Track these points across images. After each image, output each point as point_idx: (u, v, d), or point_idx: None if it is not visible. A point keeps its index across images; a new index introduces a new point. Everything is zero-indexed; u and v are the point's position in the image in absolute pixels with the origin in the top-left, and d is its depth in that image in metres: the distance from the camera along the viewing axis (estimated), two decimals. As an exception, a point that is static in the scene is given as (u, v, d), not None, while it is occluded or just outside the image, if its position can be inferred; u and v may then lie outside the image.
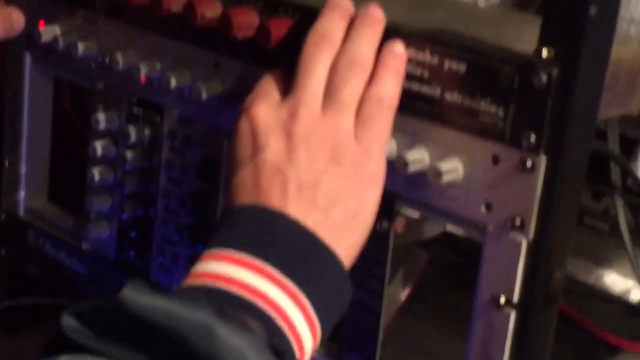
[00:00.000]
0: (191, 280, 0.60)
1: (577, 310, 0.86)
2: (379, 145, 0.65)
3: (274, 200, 0.62)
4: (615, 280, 0.98)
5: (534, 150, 0.62)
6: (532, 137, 0.62)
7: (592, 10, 0.58)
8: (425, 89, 0.66)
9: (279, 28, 0.71)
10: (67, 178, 0.96)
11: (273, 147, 0.63)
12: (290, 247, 0.60)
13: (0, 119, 0.95)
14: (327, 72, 0.66)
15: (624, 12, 0.89)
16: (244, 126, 0.65)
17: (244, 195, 0.63)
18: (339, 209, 0.63)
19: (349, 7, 0.69)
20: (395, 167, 0.67)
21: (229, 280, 0.58)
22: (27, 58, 0.91)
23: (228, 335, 0.52)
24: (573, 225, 0.64)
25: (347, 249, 0.63)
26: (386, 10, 0.74)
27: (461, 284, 0.69)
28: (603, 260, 0.99)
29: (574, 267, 1.00)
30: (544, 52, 0.60)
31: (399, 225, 0.74)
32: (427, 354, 0.79)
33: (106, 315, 0.53)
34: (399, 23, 0.69)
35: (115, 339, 0.52)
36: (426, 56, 0.66)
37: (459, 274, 0.69)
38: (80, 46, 0.84)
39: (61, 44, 0.86)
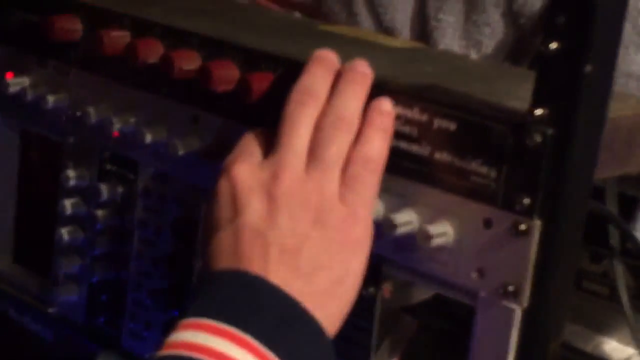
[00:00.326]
0: (166, 351, 0.60)
1: None
2: (366, 207, 0.65)
3: (255, 265, 0.62)
4: (615, 348, 0.98)
5: (528, 214, 0.62)
6: (526, 200, 0.62)
7: (587, 68, 0.59)
8: (414, 148, 0.67)
9: (261, 82, 0.72)
10: (33, 238, 0.96)
11: (254, 210, 0.64)
12: (271, 316, 0.61)
13: None
14: (311, 130, 0.66)
15: (623, 67, 0.91)
16: (223, 187, 0.66)
17: (223, 260, 0.64)
18: (323, 274, 0.63)
19: (334, 60, 0.70)
20: (382, 229, 0.67)
21: (207, 351, 0.58)
22: None
23: None
24: (570, 293, 0.65)
25: (332, 316, 0.64)
26: (373, 63, 0.75)
27: (453, 352, 0.69)
28: (602, 327, 1.00)
29: (572, 334, 1.00)
30: (538, 111, 0.61)
31: (386, 290, 0.75)
32: None
33: None
34: (386, 78, 0.70)
35: None
36: (415, 114, 0.67)
37: (450, 341, 0.69)
38: (50, 98, 0.85)
39: (30, 95, 0.87)
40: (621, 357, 0.96)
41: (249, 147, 0.68)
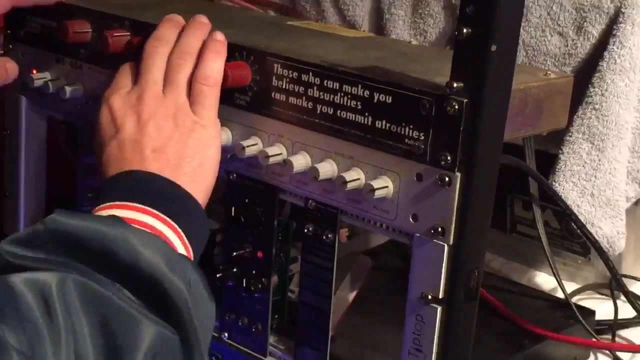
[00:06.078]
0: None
1: (506, 306, 0.88)
2: (210, 113, 0.73)
3: (136, 164, 0.70)
4: (544, 280, 1.01)
5: (451, 168, 0.65)
6: (449, 157, 0.65)
7: (493, 48, 0.61)
8: (359, 118, 0.70)
9: (237, 69, 0.75)
10: (63, 208, 0.98)
11: (128, 126, 0.72)
12: (158, 194, 0.68)
13: (1, 155, 0.97)
14: (164, 64, 0.74)
15: (542, 47, 0.93)
16: (104, 113, 0.74)
17: (113, 167, 0.71)
18: (187, 162, 0.71)
19: (180, 19, 0.78)
20: (336, 185, 0.70)
21: (125, 219, 0.64)
22: (23, 101, 0.93)
23: (140, 239, 0.61)
24: (487, 230, 0.67)
25: (201, 191, 0.71)
26: (327, 49, 0.77)
27: (402, 285, 0.70)
28: (534, 263, 1.03)
29: (509, 270, 1.04)
30: (455, 85, 0.63)
31: (343, 235, 0.77)
32: (373, 347, 0.82)
33: (43, 238, 0.59)
34: (337, 62, 0.72)
35: (54, 254, 0.59)
36: (359, 90, 0.69)
37: (404, 277, 0.72)
38: (68, 89, 0.87)
39: (51, 88, 0.88)
40: (549, 287, 1.00)
41: (120, 81, 0.76)
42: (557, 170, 0.89)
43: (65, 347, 0.55)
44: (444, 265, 0.66)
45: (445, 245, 0.66)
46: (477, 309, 0.68)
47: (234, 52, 0.76)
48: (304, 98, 0.73)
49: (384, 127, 0.69)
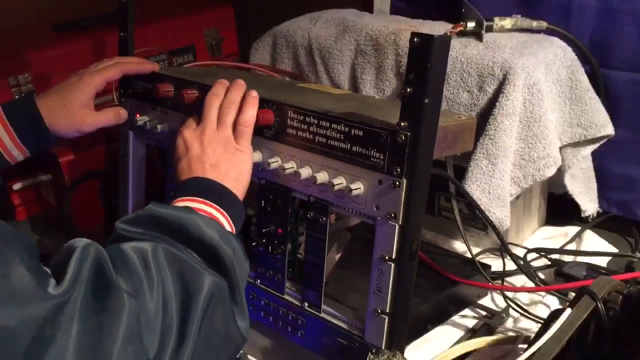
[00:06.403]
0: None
1: (436, 263, 0.89)
2: (247, 143, 0.73)
3: (199, 173, 0.70)
4: (459, 246, 1.01)
5: (400, 176, 0.66)
6: (398, 170, 0.66)
7: (426, 100, 0.63)
8: (342, 145, 0.70)
9: (265, 114, 0.75)
10: (156, 201, 0.96)
11: (195, 148, 0.72)
12: (215, 193, 0.68)
13: (117, 168, 0.96)
14: (218, 110, 0.74)
15: (457, 99, 0.93)
16: (180, 140, 0.74)
17: (185, 174, 0.71)
18: (231, 172, 0.71)
19: (226, 82, 0.77)
20: (328, 187, 0.71)
21: (194, 208, 0.65)
22: (130, 134, 0.93)
23: (203, 221, 0.61)
24: (423, 215, 0.68)
25: (239, 190, 0.71)
26: (322, 101, 0.78)
27: (372, 250, 0.71)
28: (452, 235, 1.03)
29: (437, 240, 1.03)
30: (402, 124, 0.64)
31: (332, 218, 0.78)
32: (351, 289, 0.82)
33: (143, 219, 0.61)
34: (328, 109, 0.73)
35: (150, 230, 0.60)
36: (342, 127, 0.70)
37: (371, 245, 0.72)
38: (159, 127, 0.87)
39: (148, 126, 0.88)
40: (461, 251, 1.00)
41: (190, 121, 0.76)
42: (467, 177, 0.90)
43: (156, 290, 0.55)
44: (396, 237, 0.67)
45: (397, 225, 0.67)
46: (416, 264, 0.69)
47: (263, 103, 0.76)
48: (307, 132, 0.73)
49: (357, 150, 0.69)
